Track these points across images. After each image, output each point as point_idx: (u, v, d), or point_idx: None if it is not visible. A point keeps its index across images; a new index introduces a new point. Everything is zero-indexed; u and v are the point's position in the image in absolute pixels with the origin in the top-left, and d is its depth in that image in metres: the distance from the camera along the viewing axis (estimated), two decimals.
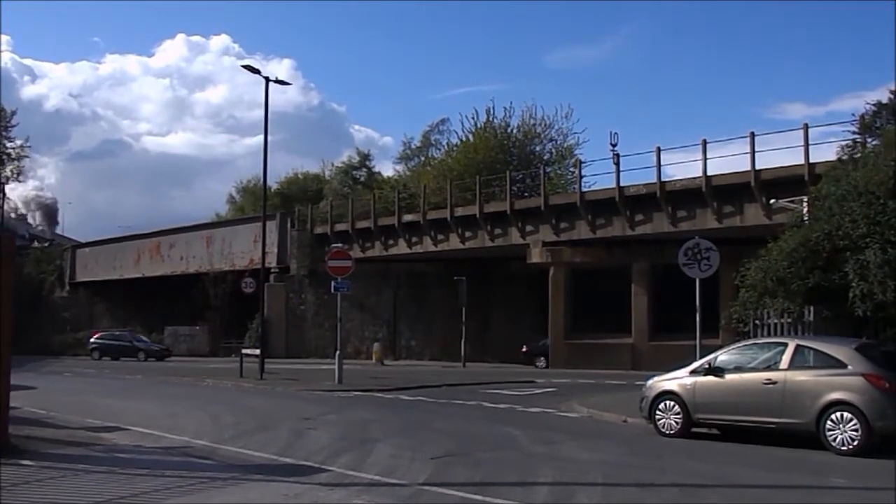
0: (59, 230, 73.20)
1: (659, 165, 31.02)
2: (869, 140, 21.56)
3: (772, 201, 25.44)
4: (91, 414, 15.92)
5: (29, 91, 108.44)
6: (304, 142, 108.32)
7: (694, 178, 30.18)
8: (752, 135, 28.41)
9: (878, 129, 22.65)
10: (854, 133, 23.53)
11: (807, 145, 26.86)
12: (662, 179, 31.18)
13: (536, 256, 34.94)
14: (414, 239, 39.89)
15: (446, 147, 51.67)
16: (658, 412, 13.52)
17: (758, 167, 28.07)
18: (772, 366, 12.46)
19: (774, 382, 12.17)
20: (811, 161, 26.39)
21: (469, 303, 35.90)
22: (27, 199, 76.38)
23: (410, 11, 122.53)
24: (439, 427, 14.50)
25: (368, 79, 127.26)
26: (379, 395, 21.76)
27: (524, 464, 10.64)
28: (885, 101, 25.09)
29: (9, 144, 42.47)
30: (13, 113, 43.55)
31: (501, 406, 18.27)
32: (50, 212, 77.14)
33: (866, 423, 11.25)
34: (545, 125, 47.39)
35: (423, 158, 54.97)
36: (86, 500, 8.18)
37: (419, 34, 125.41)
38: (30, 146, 53.56)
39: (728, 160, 30.12)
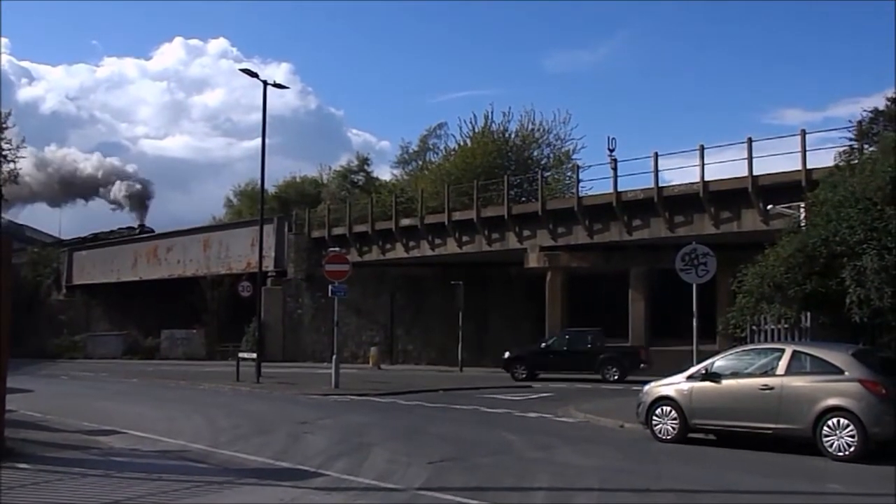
0: (56, 233, 72.47)
1: (656, 170, 31.06)
2: (866, 146, 21.58)
3: (769, 207, 25.45)
4: (87, 417, 15.92)
5: (26, 93, 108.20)
6: (302, 146, 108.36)
7: (691, 183, 30.20)
8: (750, 140, 28.43)
9: (875, 135, 22.65)
10: (851, 139, 23.54)
11: (804, 151, 26.90)
12: (660, 185, 31.19)
13: (534, 261, 34.96)
14: (411, 243, 39.90)
15: (444, 151, 51.74)
16: (655, 417, 13.54)
17: (755, 173, 28.09)
18: (769, 371, 12.49)
19: (771, 388, 12.20)
20: (808, 167, 26.41)
21: (466, 307, 35.89)
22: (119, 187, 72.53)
23: (408, 16, 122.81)
24: (436, 432, 14.50)
25: (366, 83, 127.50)
26: (376, 399, 21.76)
27: (521, 469, 10.64)
28: (882, 107, 25.08)
29: (5, 146, 42.34)
30: (8, 114, 43.51)
31: (498, 411, 18.26)
32: (141, 198, 71.93)
33: (863, 429, 11.27)
34: (543, 130, 47.49)
35: (420, 163, 54.96)
36: None
37: (417, 38, 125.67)
38: (26, 146, 53.42)
39: (725, 166, 30.26)
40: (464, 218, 37.17)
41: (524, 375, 28.78)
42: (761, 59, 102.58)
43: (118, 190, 72.08)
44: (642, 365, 27.77)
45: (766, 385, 12.29)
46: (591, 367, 28.16)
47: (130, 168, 77.45)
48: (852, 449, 11.31)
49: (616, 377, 27.37)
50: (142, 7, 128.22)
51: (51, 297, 60.25)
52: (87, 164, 76.40)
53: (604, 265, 33.92)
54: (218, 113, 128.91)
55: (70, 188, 74.92)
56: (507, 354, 30.26)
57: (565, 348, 29.12)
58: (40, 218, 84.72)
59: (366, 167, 60.40)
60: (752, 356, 13.27)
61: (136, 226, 65.38)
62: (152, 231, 61.57)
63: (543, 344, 30.17)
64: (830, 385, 11.76)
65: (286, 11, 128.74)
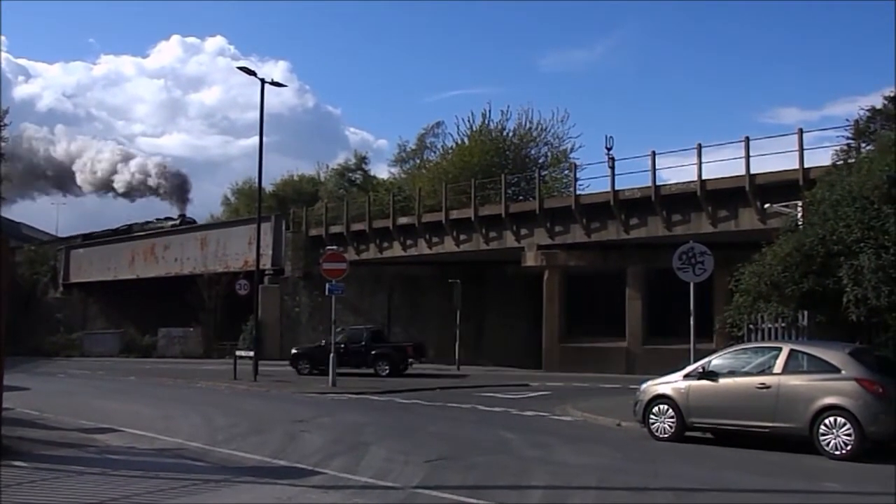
0: (55, 231, 71.47)
1: (654, 169, 31.05)
2: (863, 145, 21.61)
3: (766, 206, 25.47)
4: (84, 415, 15.90)
5: (22, 91, 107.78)
6: (299, 144, 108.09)
7: (689, 182, 30.21)
8: (747, 139, 28.45)
9: (872, 134, 22.66)
10: (848, 138, 23.56)
11: (801, 150, 26.90)
12: (657, 183, 31.18)
13: (531, 260, 34.94)
14: (409, 241, 39.87)
15: (441, 150, 51.69)
16: (652, 416, 13.56)
17: (752, 172, 28.11)
18: (766, 370, 12.51)
19: (768, 387, 12.22)
20: (806, 166, 26.41)
21: (463, 306, 35.89)
22: (159, 172, 66.75)
23: (405, 14, 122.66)
24: (433, 430, 14.51)
25: (363, 81, 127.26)
26: (373, 398, 21.76)
27: (518, 467, 10.64)
28: (879, 106, 25.08)
29: (3, 144, 42.30)
30: (6, 112, 43.46)
31: (495, 409, 18.27)
32: (181, 186, 66.14)
33: (859, 427, 11.30)
34: (541, 129, 47.48)
35: (418, 161, 54.91)
36: (79, 502, 8.16)
37: (414, 37, 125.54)
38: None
39: (723, 164, 30.21)
40: (461, 216, 37.15)
41: (307, 370, 30.65)
42: (758, 58, 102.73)
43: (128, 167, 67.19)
44: (410, 361, 30.56)
45: (763, 384, 12.30)
46: (365, 363, 30.07)
47: (114, 146, 72.05)
48: (849, 448, 11.33)
49: (386, 372, 29.58)
50: (139, 5, 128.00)
51: (48, 295, 60.08)
52: (60, 147, 71.08)
53: (601, 264, 33.92)
54: (215, 111, 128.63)
55: (39, 177, 69.97)
56: (293, 351, 33.06)
57: (343, 345, 29.84)
58: (38, 215, 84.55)
59: (363, 166, 60.39)
60: (749, 355, 13.29)
61: (176, 217, 60.22)
62: (193, 222, 57.39)
63: (323, 341, 31.22)
64: (827, 384, 11.78)
65: (284, 10, 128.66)
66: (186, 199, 65.66)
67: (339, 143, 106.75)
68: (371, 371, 29.59)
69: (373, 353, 30.02)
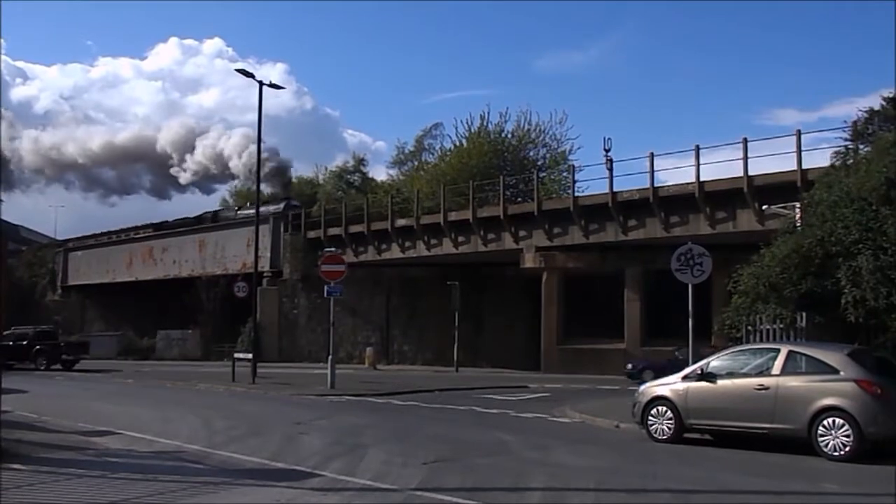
0: (55, 232, 70.79)
1: (652, 171, 31.15)
2: (861, 147, 21.61)
3: (764, 207, 25.51)
4: (83, 418, 15.86)
5: (19, 92, 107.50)
6: (298, 146, 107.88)
7: (687, 183, 30.27)
8: (745, 140, 28.52)
9: (870, 135, 22.64)
10: (846, 139, 23.55)
11: (799, 151, 26.98)
12: (655, 185, 31.28)
13: (529, 261, 34.97)
14: (407, 243, 39.90)
15: (440, 152, 51.75)
16: (650, 418, 13.55)
17: (750, 173, 28.17)
18: (764, 371, 12.51)
19: (767, 388, 12.22)
20: (804, 167, 26.48)
21: (462, 308, 35.92)
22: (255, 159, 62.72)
23: (403, 16, 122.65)
24: (431, 432, 14.50)
25: (362, 83, 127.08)
26: (371, 399, 21.74)
27: (516, 469, 10.64)
28: (877, 107, 25.09)
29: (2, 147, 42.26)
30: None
31: (494, 411, 18.26)
32: (282, 172, 59.73)
33: (858, 428, 11.30)
34: (539, 131, 47.57)
35: (416, 163, 54.96)
36: None
37: (412, 39, 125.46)
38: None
39: (721, 166, 30.32)
40: (460, 218, 37.17)
41: None
42: (756, 59, 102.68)
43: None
44: (63, 356, 35.96)
45: (761, 385, 12.30)
46: (29, 358, 35.01)
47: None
48: (848, 449, 11.33)
49: (44, 367, 34.62)
50: (137, 7, 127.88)
51: (46, 298, 60.11)
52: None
53: (600, 265, 33.96)
54: (213, 113, 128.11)
55: None
56: None
57: (11, 343, 34.50)
58: (35, 218, 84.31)
59: (362, 167, 60.41)
60: (748, 356, 13.30)
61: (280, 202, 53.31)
62: (299, 207, 49.48)
63: None
64: (826, 385, 11.78)
65: (281, 12, 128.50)
66: (288, 184, 59.27)
67: (337, 145, 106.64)
68: (33, 365, 34.11)
69: (35, 349, 34.66)
